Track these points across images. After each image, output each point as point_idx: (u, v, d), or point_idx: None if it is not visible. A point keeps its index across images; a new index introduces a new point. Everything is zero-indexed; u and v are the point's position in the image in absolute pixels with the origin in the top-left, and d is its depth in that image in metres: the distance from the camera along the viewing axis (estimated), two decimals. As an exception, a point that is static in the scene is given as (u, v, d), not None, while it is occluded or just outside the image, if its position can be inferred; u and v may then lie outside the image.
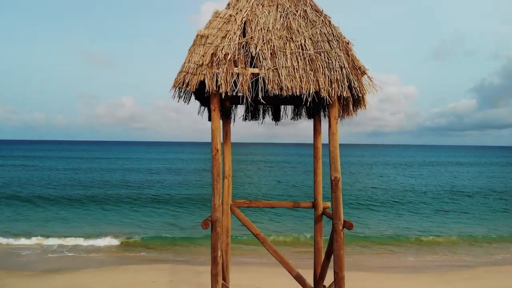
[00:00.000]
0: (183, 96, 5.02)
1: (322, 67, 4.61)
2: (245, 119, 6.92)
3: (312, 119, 6.47)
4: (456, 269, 12.06)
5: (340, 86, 4.51)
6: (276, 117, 6.98)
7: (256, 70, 4.62)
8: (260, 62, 4.64)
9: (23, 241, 15.13)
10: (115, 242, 15.25)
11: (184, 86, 4.53)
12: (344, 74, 4.56)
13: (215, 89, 4.51)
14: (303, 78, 4.54)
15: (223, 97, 4.58)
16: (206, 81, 4.49)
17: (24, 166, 54.90)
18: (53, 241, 15.08)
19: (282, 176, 45.68)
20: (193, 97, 5.45)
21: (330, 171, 4.88)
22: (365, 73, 4.68)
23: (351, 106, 5.47)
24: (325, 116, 6.68)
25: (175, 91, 4.75)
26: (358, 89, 4.56)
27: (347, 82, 4.55)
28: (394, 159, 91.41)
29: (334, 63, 4.62)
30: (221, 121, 6.42)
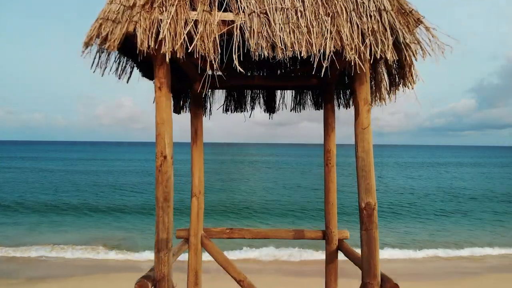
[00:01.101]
0: (110, 65, 2.97)
1: (347, 11, 2.61)
2: (226, 110, 4.87)
3: (322, 110, 4.44)
4: (462, 276, 11.22)
5: (379, 42, 2.51)
6: (270, 108, 4.95)
7: (229, 16, 2.62)
8: (236, 2, 2.64)
9: (8, 248, 14.07)
10: (105, 249, 14.21)
11: (99, 42, 2.51)
12: (386, 21, 2.56)
13: (154, 46, 2.50)
14: (312, 28, 2.54)
15: (167, 59, 2.55)
16: (138, 33, 2.49)
17: (20, 168, 53.20)
18: (39, 248, 14.08)
19: (280, 178, 43.69)
20: (136, 70, 3.45)
21: (359, 193, 2.86)
22: (421, 22, 2.67)
23: (386, 84, 3.44)
24: (339, 105, 4.67)
25: (93, 57, 2.75)
26: (410, 47, 2.56)
27: (392, 36, 2.55)
28: (394, 160, 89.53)
29: (366, 3, 2.62)
30: (188, 113, 4.45)
